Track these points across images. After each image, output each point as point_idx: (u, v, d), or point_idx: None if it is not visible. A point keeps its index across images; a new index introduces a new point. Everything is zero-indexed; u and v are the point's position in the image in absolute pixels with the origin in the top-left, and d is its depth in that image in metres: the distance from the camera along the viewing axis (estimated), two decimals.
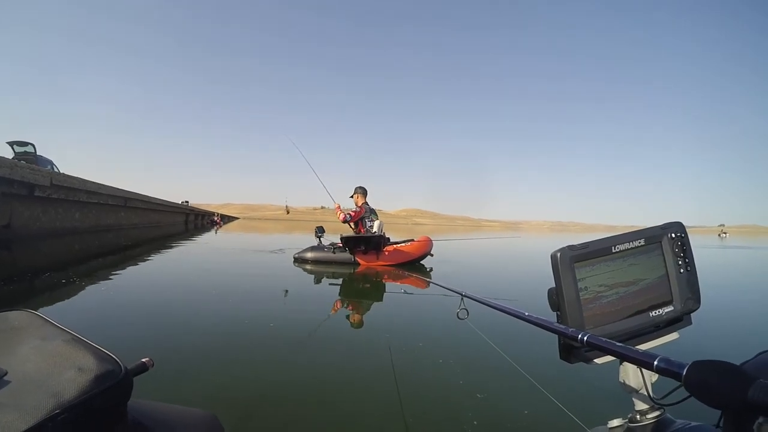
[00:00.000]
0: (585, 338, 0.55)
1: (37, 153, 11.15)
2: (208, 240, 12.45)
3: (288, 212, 8.90)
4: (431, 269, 6.56)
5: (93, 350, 0.47)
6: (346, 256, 6.52)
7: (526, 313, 0.74)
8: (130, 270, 5.26)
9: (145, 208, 15.87)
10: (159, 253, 7.43)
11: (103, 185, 10.81)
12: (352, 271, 6.06)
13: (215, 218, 31.47)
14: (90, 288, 3.80)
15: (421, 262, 6.98)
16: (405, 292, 4.42)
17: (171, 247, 8.97)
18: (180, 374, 1.92)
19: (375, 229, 6.59)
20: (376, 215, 6.83)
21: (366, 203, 6.90)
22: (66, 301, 3.28)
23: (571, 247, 0.64)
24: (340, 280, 5.27)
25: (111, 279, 4.48)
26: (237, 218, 53.44)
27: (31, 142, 11.14)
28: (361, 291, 4.74)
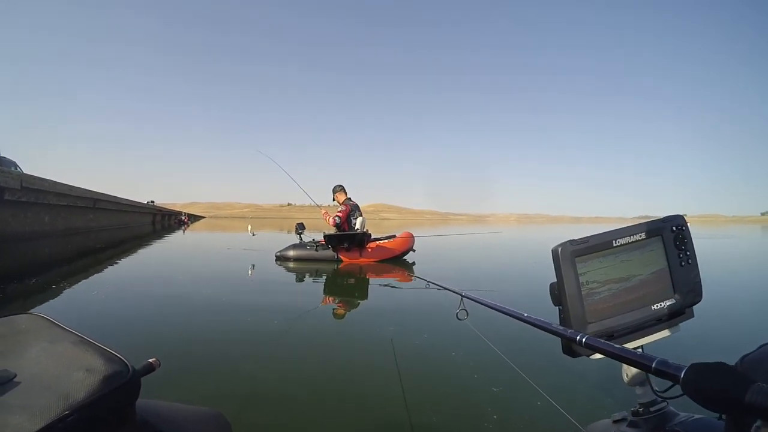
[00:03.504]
0: (583, 340, 0.56)
1: (0, 154, 10.70)
2: (178, 241, 12.23)
3: (253, 235, 9.56)
4: (414, 263, 6.75)
5: (101, 351, 0.47)
6: (329, 253, 6.61)
7: (525, 314, 0.75)
8: (111, 273, 5.31)
9: (114, 209, 15.44)
10: (132, 255, 7.41)
11: (73, 187, 10.53)
12: (335, 267, 6.19)
13: (182, 218, 30.67)
14: (72, 291, 3.82)
15: (404, 257, 7.11)
16: (390, 286, 4.57)
17: (144, 248, 8.95)
18: (185, 373, 1.97)
19: (358, 226, 6.69)
20: (360, 211, 6.90)
21: (349, 199, 6.96)
22: (49, 304, 3.33)
23: (572, 242, 0.64)
24: (323, 278, 5.38)
25: (95, 281, 4.54)
26: (203, 217, 52.11)
27: None
28: (348, 288, 4.85)
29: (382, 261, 6.73)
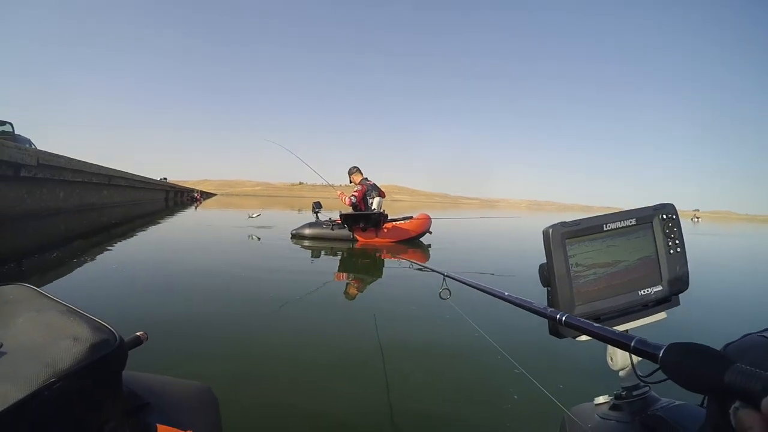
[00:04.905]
0: (563, 318, 0.56)
1: (15, 132, 10.72)
2: (191, 217, 12.40)
3: (254, 216, 9.43)
4: (429, 245, 6.71)
5: (87, 320, 0.47)
6: (345, 233, 6.62)
7: (506, 293, 0.75)
8: (124, 247, 5.40)
9: (127, 185, 15.53)
10: (146, 230, 7.47)
11: (88, 163, 10.53)
12: (351, 246, 6.22)
13: (195, 195, 30.90)
14: (87, 266, 3.86)
15: (420, 239, 7.09)
16: (402, 267, 4.54)
17: (157, 224, 9.08)
18: (175, 347, 1.99)
19: (375, 206, 6.65)
20: (377, 190, 6.84)
21: (365, 179, 6.93)
22: (61, 279, 3.37)
23: (563, 224, 0.65)
24: (339, 256, 5.43)
25: (109, 256, 4.60)
26: (215, 194, 52.50)
27: (8, 121, 10.68)
28: (360, 267, 4.89)
29: (398, 242, 6.69)
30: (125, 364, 0.47)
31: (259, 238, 6.78)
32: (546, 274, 0.65)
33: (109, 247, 5.21)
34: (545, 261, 0.65)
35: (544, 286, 0.66)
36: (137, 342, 0.58)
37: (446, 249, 6.59)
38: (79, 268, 3.75)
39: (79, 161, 9.92)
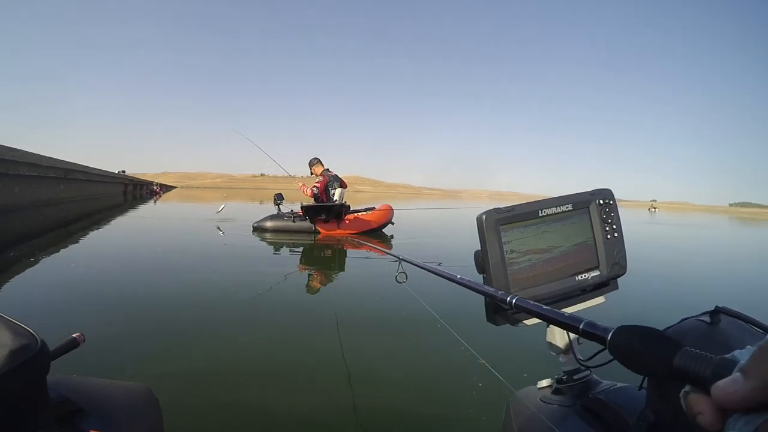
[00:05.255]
0: (513, 301, 0.56)
1: None
2: (149, 211, 12.11)
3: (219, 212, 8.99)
4: (392, 236, 6.89)
5: (8, 324, 0.44)
6: (307, 224, 6.67)
7: (458, 276, 0.75)
8: (81, 245, 5.28)
9: (85, 179, 15.09)
10: (100, 228, 7.27)
11: (44, 156, 10.26)
12: (312, 240, 6.29)
13: (155, 188, 29.91)
14: (39, 266, 3.78)
15: (383, 230, 7.20)
16: (362, 257, 4.68)
17: (115, 219, 8.93)
18: (117, 349, 1.95)
19: (337, 197, 6.71)
20: (339, 181, 6.87)
21: (326, 170, 6.97)
22: (7, 282, 3.19)
23: (497, 210, 0.64)
24: (300, 249, 5.48)
25: (64, 255, 4.52)
26: (175, 187, 50.83)
27: None
28: (321, 259, 4.97)
29: (359, 233, 6.77)
30: (48, 369, 0.45)
31: (222, 233, 6.87)
32: (481, 261, 0.65)
33: (65, 246, 5.09)
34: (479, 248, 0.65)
35: (479, 273, 0.67)
36: (73, 344, 0.57)
37: (408, 240, 6.78)
38: (32, 268, 3.67)
39: (34, 155, 9.67)
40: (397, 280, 1.23)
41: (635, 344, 0.34)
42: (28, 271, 3.59)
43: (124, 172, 25.49)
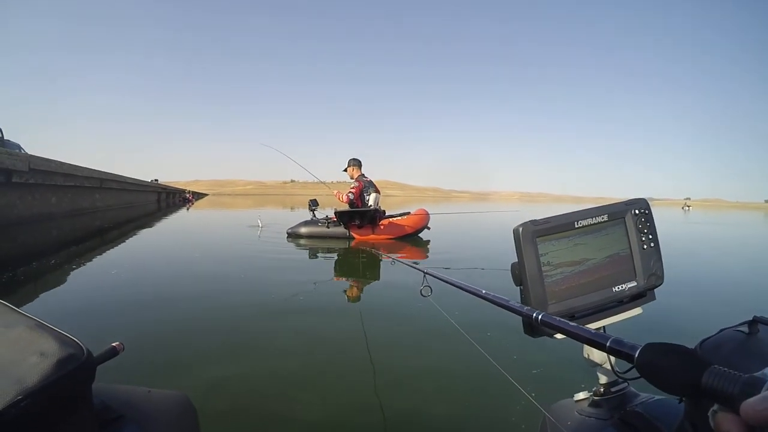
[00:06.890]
0: (539, 317, 0.56)
1: (4, 137, 10.58)
2: (182, 218, 12.29)
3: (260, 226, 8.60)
4: (428, 241, 6.65)
5: (56, 335, 0.46)
6: (341, 230, 6.52)
7: (483, 291, 0.74)
8: (117, 252, 5.42)
9: (119, 188, 15.44)
10: (136, 235, 7.38)
11: (79, 167, 10.46)
12: (347, 245, 6.12)
13: (187, 195, 30.67)
14: (76, 274, 3.82)
15: (419, 235, 6.94)
16: (391, 266, 4.41)
17: (151, 226, 9.05)
18: (154, 356, 1.97)
19: (371, 202, 6.50)
20: (374, 187, 6.66)
21: (362, 175, 6.77)
22: (50, 291, 3.25)
23: (533, 222, 0.64)
24: (335, 255, 5.34)
25: (101, 262, 4.59)
26: (206, 194, 52.11)
27: None
28: (355, 265, 4.82)
29: (395, 239, 6.59)
30: (94, 378, 0.47)
31: (259, 235, 6.98)
32: (518, 273, 0.65)
33: (101, 253, 5.16)
34: (516, 260, 0.65)
35: (516, 285, 0.66)
36: (113, 353, 0.58)
37: (447, 246, 6.37)
38: (70, 275, 3.73)
39: (70, 165, 9.86)
40: (421, 294, 1.19)
41: (662, 363, 0.34)
42: (69, 276, 3.70)
43: (156, 180, 26.15)
